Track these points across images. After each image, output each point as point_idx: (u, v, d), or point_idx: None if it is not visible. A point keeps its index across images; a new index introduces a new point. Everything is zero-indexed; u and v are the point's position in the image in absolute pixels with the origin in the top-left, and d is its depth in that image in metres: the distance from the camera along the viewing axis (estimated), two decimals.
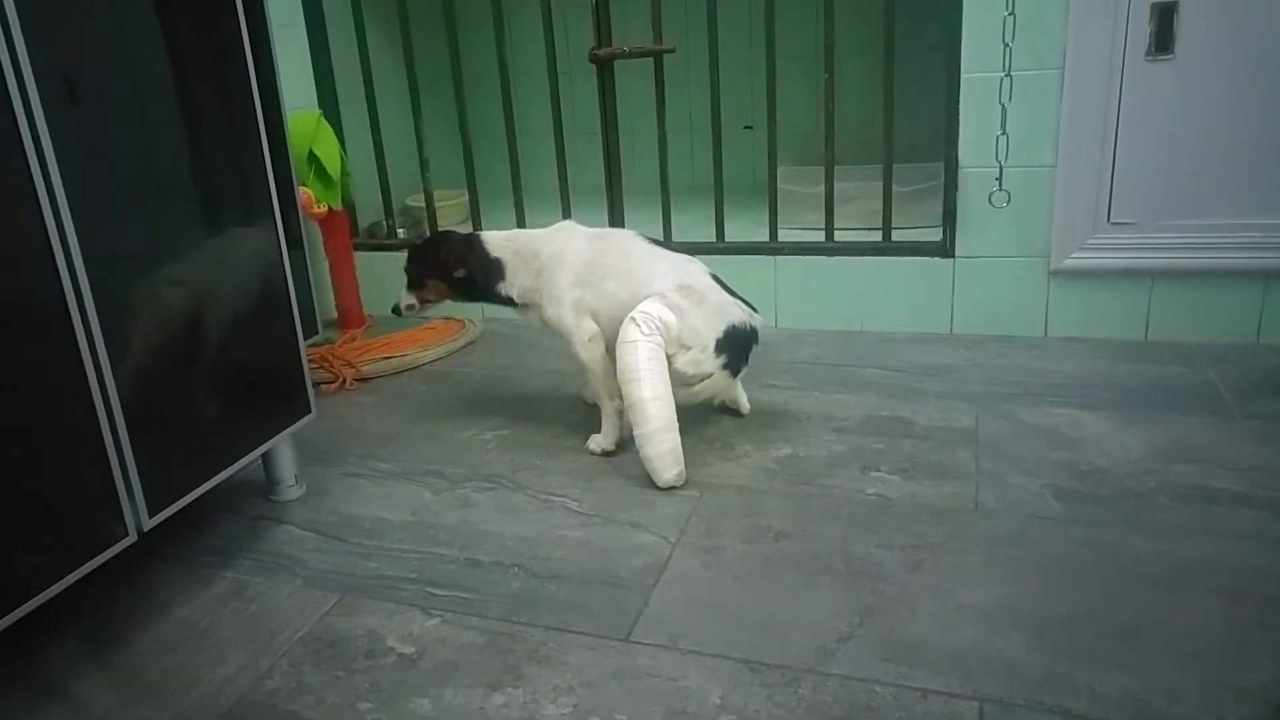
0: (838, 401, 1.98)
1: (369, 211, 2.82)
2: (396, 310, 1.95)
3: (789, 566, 1.41)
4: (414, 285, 1.93)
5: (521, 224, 2.51)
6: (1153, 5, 1.90)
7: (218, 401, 1.52)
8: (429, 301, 1.94)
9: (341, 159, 2.43)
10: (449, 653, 1.26)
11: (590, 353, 1.77)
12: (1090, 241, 2.12)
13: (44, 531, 1.21)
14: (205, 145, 1.49)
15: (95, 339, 1.23)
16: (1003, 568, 1.37)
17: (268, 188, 1.58)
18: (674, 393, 1.70)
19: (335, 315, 2.64)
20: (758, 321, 1.81)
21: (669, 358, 1.70)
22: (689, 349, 1.72)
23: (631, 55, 2.26)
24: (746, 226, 2.45)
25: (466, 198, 2.97)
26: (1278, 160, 1.96)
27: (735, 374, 1.80)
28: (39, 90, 1.14)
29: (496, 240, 1.88)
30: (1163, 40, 1.92)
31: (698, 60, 2.29)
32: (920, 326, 2.32)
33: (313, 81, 2.63)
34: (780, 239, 2.38)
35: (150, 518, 1.35)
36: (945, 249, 2.24)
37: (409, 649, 1.28)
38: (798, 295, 2.38)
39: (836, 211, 2.32)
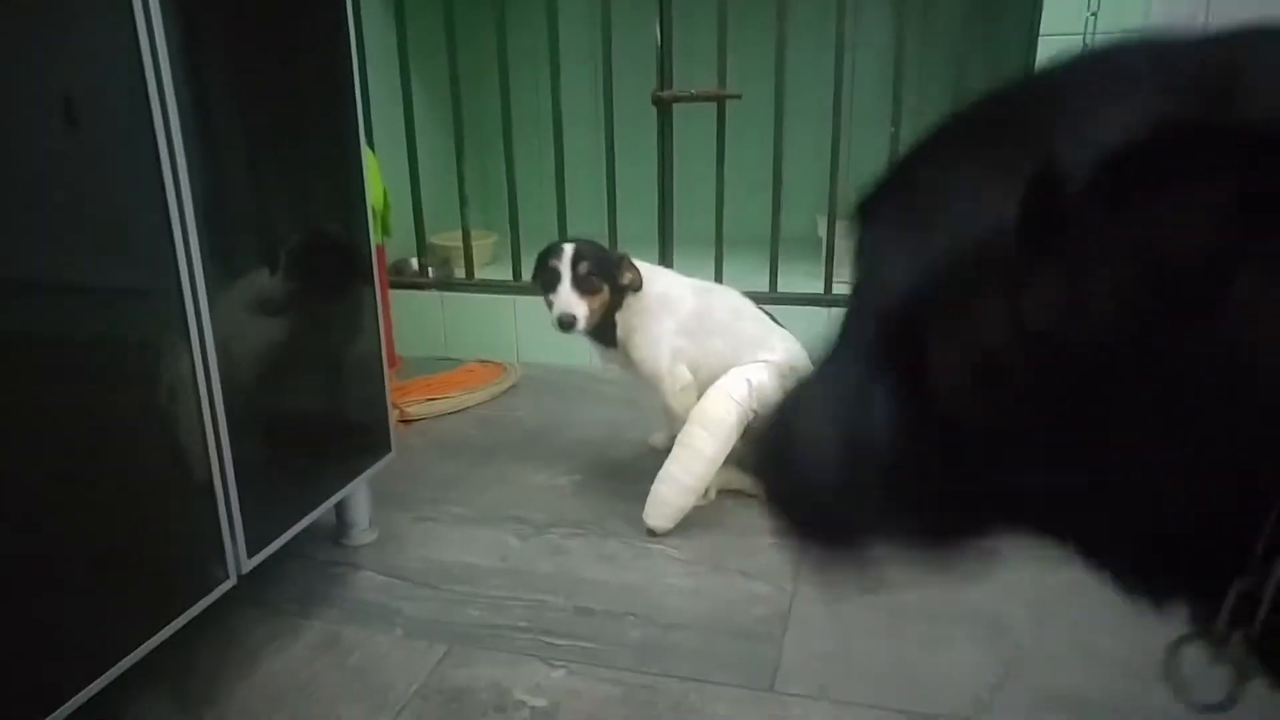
0: None
1: (394, 249, 2.73)
2: (569, 324, 1.59)
3: (915, 615, 1.36)
4: (588, 289, 1.60)
5: None
6: None
7: (310, 436, 1.43)
8: (594, 312, 1.62)
9: (385, 191, 2.36)
10: (586, 705, 1.18)
11: (682, 403, 1.71)
12: None
13: (151, 575, 1.11)
14: (309, 174, 1.42)
15: (210, 366, 1.15)
16: (1132, 616, 1.35)
17: (366, 220, 1.51)
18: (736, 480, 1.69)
19: None
20: None
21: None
22: None
23: (697, 99, 2.25)
24: (790, 279, 2.43)
25: (494, 239, 2.93)
26: None
27: None
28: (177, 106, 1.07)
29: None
30: None
31: (736, 110, 2.29)
32: None
33: None
34: (834, 292, 2.37)
35: (249, 559, 1.25)
36: None
37: (540, 701, 1.19)
38: None
39: None
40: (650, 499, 1.60)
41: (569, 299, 1.59)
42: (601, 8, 2.30)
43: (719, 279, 2.41)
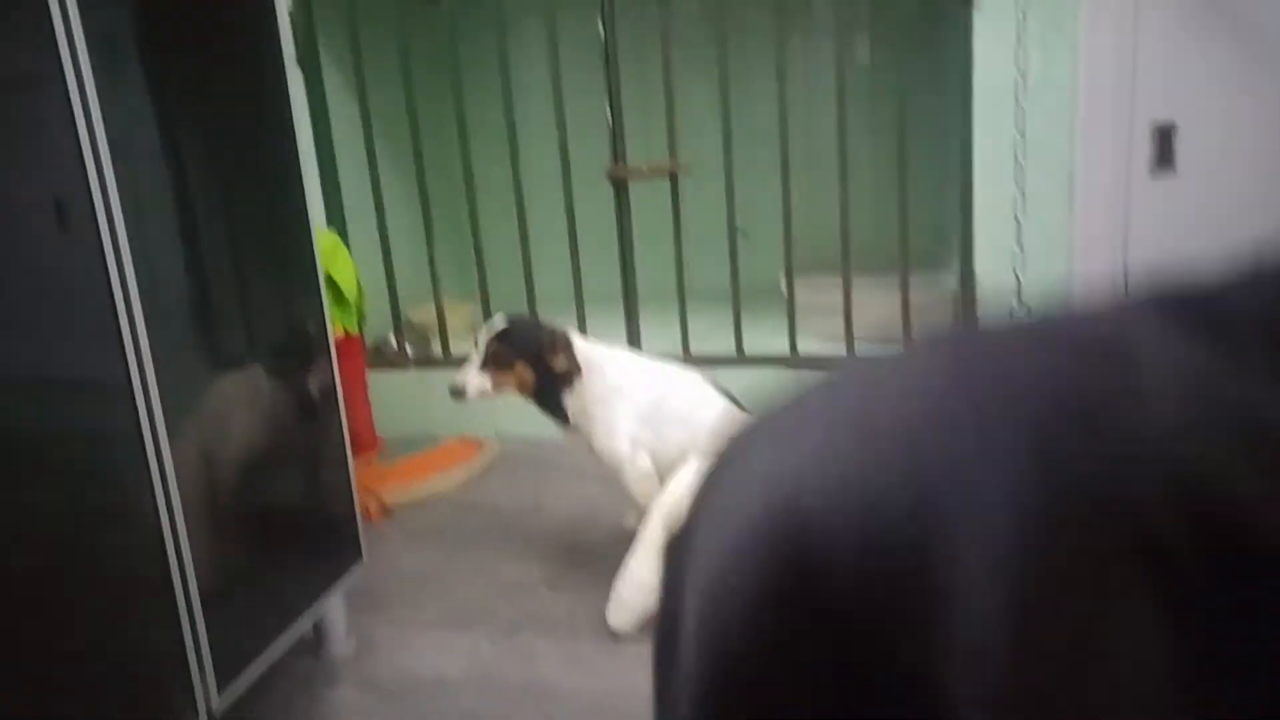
0: None
1: (372, 328, 2.77)
2: (459, 393, 1.70)
3: None
4: (496, 365, 1.69)
5: None
6: (1154, 126, 2.01)
7: (276, 555, 1.46)
8: (501, 387, 1.71)
9: (358, 281, 2.40)
10: None
11: (643, 491, 1.73)
12: None
13: None
14: (260, 266, 1.45)
15: (172, 496, 1.17)
16: None
17: (323, 319, 1.53)
18: None
19: None
20: None
21: None
22: None
23: (650, 175, 2.30)
24: (756, 334, 2.47)
25: (472, 308, 2.96)
26: None
27: None
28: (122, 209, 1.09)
29: (579, 344, 1.72)
30: (1164, 157, 2.02)
31: (694, 170, 2.34)
32: None
33: (320, 197, 2.59)
34: (799, 351, 2.40)
35: (219, 694, 1.27)
36: None
37: None
38: None
39: (840, 319, 2.36)
40: (613, 599, 1.62)
41: (467, 370, 1.72)
42: (553, 87, 2.35)
43: (684, 340, 2.44)
